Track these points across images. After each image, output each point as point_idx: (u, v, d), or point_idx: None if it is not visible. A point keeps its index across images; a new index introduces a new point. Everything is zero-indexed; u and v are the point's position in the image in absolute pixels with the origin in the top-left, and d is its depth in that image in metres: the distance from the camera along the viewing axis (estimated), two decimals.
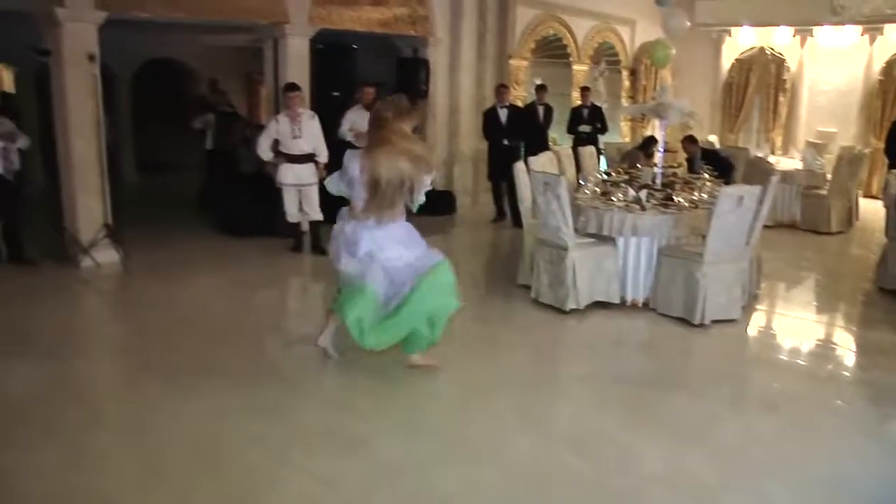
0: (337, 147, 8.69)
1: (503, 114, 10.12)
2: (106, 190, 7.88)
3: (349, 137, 8.83)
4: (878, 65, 13.75)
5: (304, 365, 5.27)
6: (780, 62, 14.93)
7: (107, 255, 7.80)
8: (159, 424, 4.24)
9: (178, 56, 15.08)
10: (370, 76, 10.11)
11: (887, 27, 13.34)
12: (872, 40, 13.65)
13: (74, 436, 4.10)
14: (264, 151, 8.04)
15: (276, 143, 8.04)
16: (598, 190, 7.20)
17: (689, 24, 12.27)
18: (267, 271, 7.80)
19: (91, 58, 7.49)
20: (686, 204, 6.76)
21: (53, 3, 7.25)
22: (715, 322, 6.16)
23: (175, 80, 15.24)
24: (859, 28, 13.64)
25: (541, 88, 11.05)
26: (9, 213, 7.77)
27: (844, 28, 13.78)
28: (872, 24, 13.32)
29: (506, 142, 10.06)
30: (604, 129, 11.68)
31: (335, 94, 10.02)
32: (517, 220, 9.14)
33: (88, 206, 7.78)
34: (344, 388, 4.90)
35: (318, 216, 8.14)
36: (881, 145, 11.79)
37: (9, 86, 14.14)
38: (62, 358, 5.35)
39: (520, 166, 7.21)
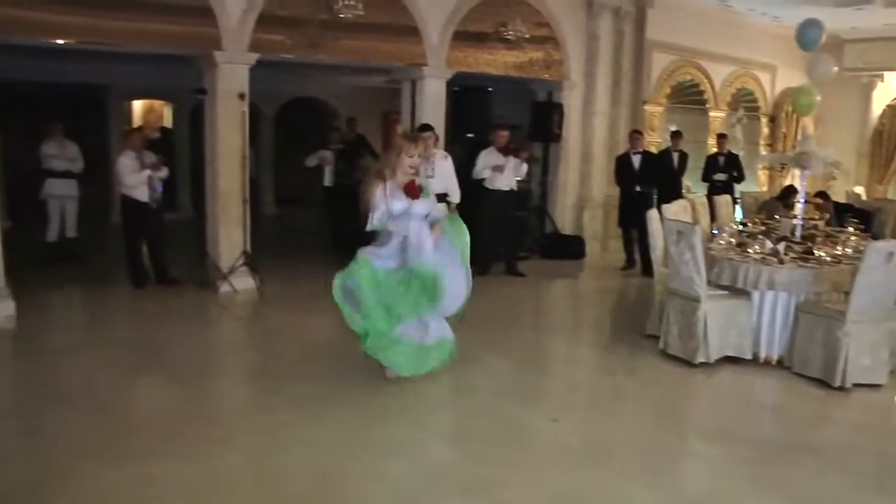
0: (469, 187, 8.86)
1: (636, 160, 9.99)
2: (246, 220, 8.29)
3: (485, 176, 8.99)
4: None
5: (429, 402, 5.32)
6: None
7: (244, 282, 8.18)
8: (284, 450, 4.36)
9: (320, 95, 15.79)
10: (504, 118, 10.22)
11: None
12: None
13: (204, 454, 4.29)
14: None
15: None
16: (733, 241, 6.96)
17: (836, 68, 11.77)
18: None
19: (241, 96, 7.97)
20: (828, 258, 6.43)
21: (212, 47, 7.78)
22: (857, 386, 5.76)
23: (316, 118, 15.93)
24: None
25: (676, 135, 10.85)
26: (151, 237, 8.33)
27: None
28: None
29: (638, 188, 9.91)
30: (740, 178, 11.32)
31: (469, 135, 10.18)
32: (647, 269, 8.98)
33: (229, 234, 8.20)
34: (465, 429, 4.89)
35: None
36: None
37: (167, 121, 15.21)
38: (197, 378, 5.64)
39: (653, 214, 7.08)
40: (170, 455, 4.23)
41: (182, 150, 13.87)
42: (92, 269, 9.32)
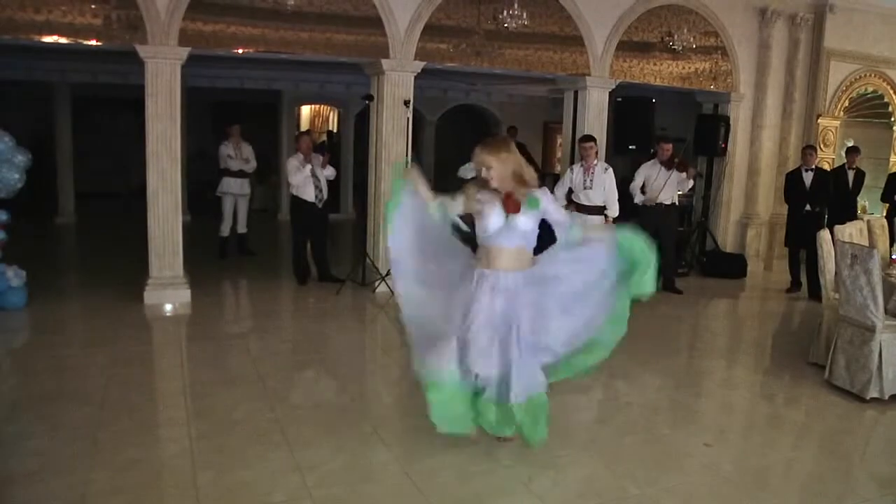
0: (630, 200, 8.70)
1: (808, 177, 9.45)
2: None
3: (637, 194, 8.81)
4: None
5: (579, 416, 5.29)
6: None
7: None
8: (433, 454, 4.45)
9: (482, 104, 16.01)
10: (668, 131, 9.99)
11: None
12: None
13: (357, 447, 4.47)
14: (560, 200, 8.23)
15: (570, 192, 8.22)
16: None
17: None
18: None
19: (406, 103, 8.22)
20: None
21: (380, 55, 8.09)
22: None
23: (477, 126, 16.17)
24: None
25: (852, 151, 10.20)
26: (316, 236, 8.72)
27: None
28: None
29: (808, 207, 9.37)
30: None
31: (631, 147, 10.02)
32: (814, 293, 8.51)
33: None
34: (615, 445, 4.80)
35: None
36: None
37: (333, 125, 15.92)
38: (353, 374, 5.91)
39: (824, 235, 6.69)
40: (327, 445, 4.45)
41: (346, 153, 14.46)
42: (260, 263, 9.90)
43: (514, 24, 8.50)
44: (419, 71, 8.36)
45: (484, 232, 4.13)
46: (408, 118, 8.36)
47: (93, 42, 7.12)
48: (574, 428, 5.06)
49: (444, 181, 15.71)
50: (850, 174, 9.99)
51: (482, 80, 13.38)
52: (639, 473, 4.35)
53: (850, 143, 10.76)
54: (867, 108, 12.13)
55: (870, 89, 11.88)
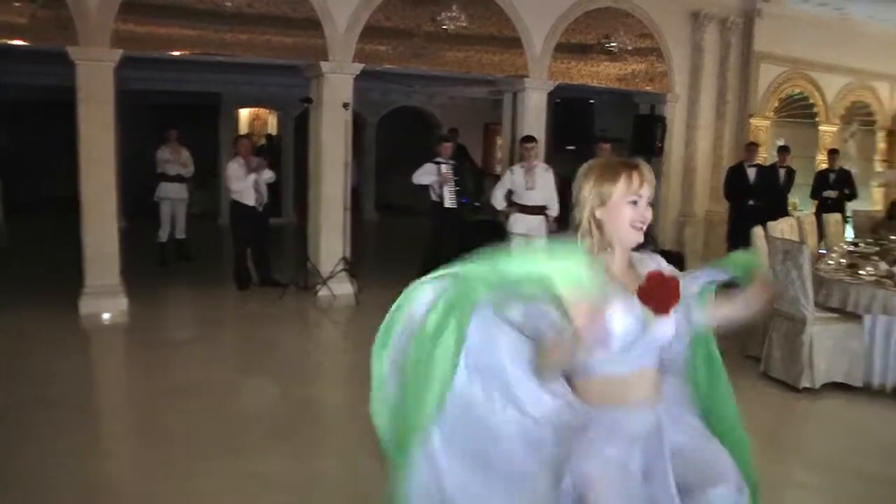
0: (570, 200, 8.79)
1: (751, 172, 9.77)
2: (347, 226, 8.48)
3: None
4: None
5: None
6: None
7: (342, 288, 8.36)
8: (373, 456, 4.41)
9: (423, 105, 16.03)
10: (606, 131, 10.13)
11: None
12: None
13: (306, 454, 4.42)
14: (498, 201, 8.28)
15: (510, 193, 8.27)
16: (843, 261, 6.68)
17: None
18: None
19: (345, 105, 8.18)
20: None
21: (319, 57, 8.04)
22: None
23: (419, 128, 16.19)
24: None
25: (783, 150, 10.53)
26: (257, 240, 8.63)
27: None
28: None
29: (752, 202, 9.67)
30: (852, 196, 10.86)
31: (571, 147, 10.13)
32: None
33: (330, 240, 8.42)
34: None
35: None
36: None
37: (272, 128, 15.77)
38: (299, 379, 5.84)
39: (758, 231, 6.87)
40: (276, 453, 4.39)
41: (287, 157, 14.33)
42: (200, 269, 9.74)
43: (452, 26, 8.54)
44: (358, 73, 8.33)
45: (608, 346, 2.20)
46: (347, 120, 8.32)
47: (19, 42, 6.90)
48: None
49: (385, 183, 15.80)
50: (782, 172, 10.30)
51: (422, 81, 13.41)
52: None
53: (781, 143, 11.09)
54: (795, 109, 12.54)
55: (797, 91, 12.28)
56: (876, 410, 5.75)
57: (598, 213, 2.27)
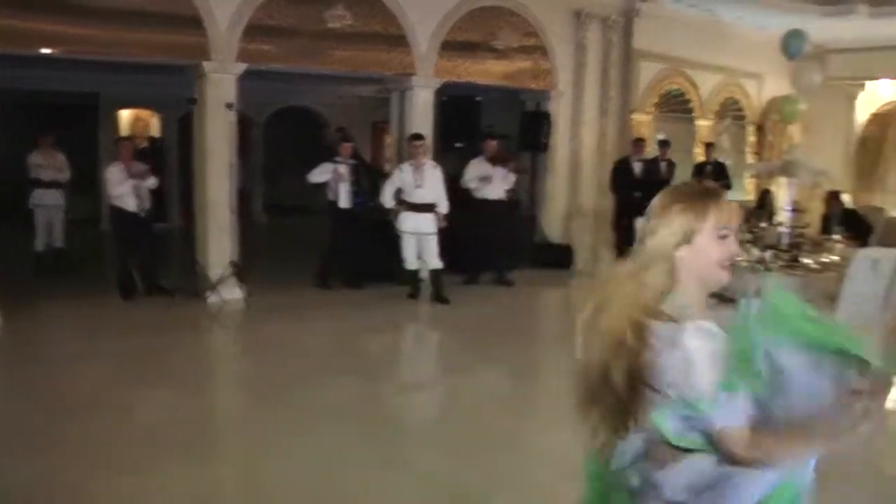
0: (459, 197, 8.87)
1: (637, 166, 10.13)
2: (235, 229, 8.29)
3: (473, 186, 9.03)
4: None
5: (421, 413, 5.34)
6: None
7: (232, 293, 8.17)
8: (274, 461, 4.36)
9: (310, 104, 15.85)
10: (493, 128, 10.27)
11: None
12: None
13: (204, 463, 4.30)
14: (387, 200, 8.28)
15: (398, 191, 8.28)
16: None
17: (820, 77, 11.85)
18: (384, 318, 7.91)
19: (229, 106, 7.98)
20: (814, 266, 6.49)
21: (201, 57, 7.81)
22: None
23: (307, 127, 15.99)
24: None
25: (663, 144, 10.96)
26: (141, 247, 8.31)
27: None
28: None
29: (638, 194, 10.01)
30: (728, 187, 11.36)
31: (458, 145, 10.22)
32: None
33: (218, 244, 8.21)
34: (457, 439, 4.89)
35: (438, 265, 8.30)
36: None
37: (155, 130, 15.23)
38: (192, 389, 5.65)
39: (641, 223, 7.10)
40: (174, 465, 4.24)
41: (171, 159, 13.89)
42: (81, 278, 9.30)
43: (338, 25, 8.47)
44: (242, 73, 8.14)
45: None
46: (231, 121, 8.12)
47: None
48: (416, 425, 5.12)
49: (274, 183, 15.50)
50: (663, 165, 10.71)
51: (310, 80, 13.24)
52: (481, 462, 4.45)
53: (662, 137, 11.52)
54: (674, 105, 13.06)
55: (675, 87, 12.80)
56: None
57: (681, 252, 1.88)
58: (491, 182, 9.14)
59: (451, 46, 9.71)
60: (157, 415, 5.11)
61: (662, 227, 1.89)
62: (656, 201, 1.96)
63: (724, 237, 1.88)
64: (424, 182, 8.17)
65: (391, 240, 8.51)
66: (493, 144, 9.23)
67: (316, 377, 5.91)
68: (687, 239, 1.87)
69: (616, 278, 1.91)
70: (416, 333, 7.98)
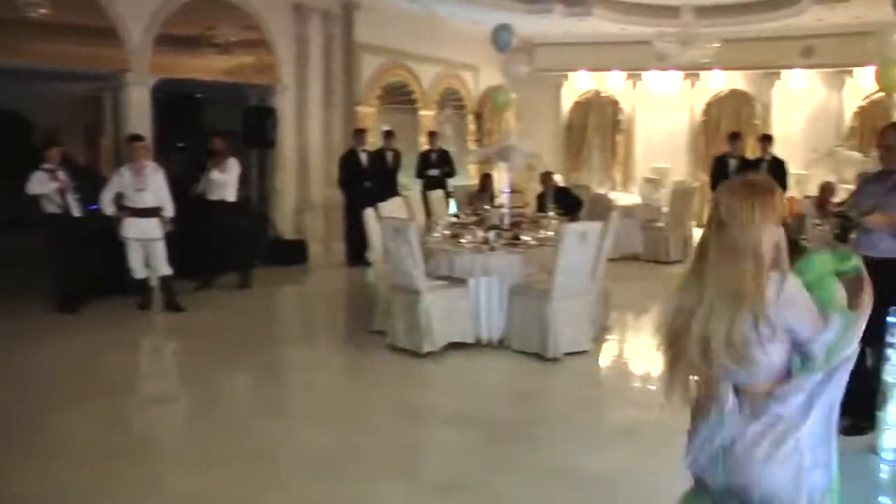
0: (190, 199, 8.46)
1: (363, 157, 10.34)
2: None
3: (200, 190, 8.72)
4: (700, 107, 15.25)
5: (169, 427, 5.07)
6: (615, 104, 16.06)
7: None
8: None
9: (10, 105, 14.28)
10: (217, 126, 9.91)
11: (704, 74, 14.73)
12: (693, 85, 15.11)
13: None
14: (107, 205, 7.71)
15: (118, 196, 7.74)
16: (447, 233, 7.37)
17: (528, 69, 12.85)
18: (116, 333, 7.28)
19: None
20: (533, 242, 7.03)
21: None
22: (567, 355, 6.38)
23: (9, 130, 14.38)
24: (682, 74, 14.90)
25: (388, 134, 11.28)
26: None
27: (669, 73, 14.95)
28: (691, 70, 14.50)
29: (367, 184, 10.21)
30: (452, 173, 11.96)
31: (180, 144, 9.75)
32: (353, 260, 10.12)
33: None
34: (212, 449, 4.71)
35: (167, 271, 7.89)
36: (707, 179, 12.75)
37: None
38: None
39: (369, 213, 7.27)
40: None
41: None
42: None
43: (33, 14, 7.70)
44: None
45: None
46: None
47: None
48: (167, 442, 4.86)
49: None
50: (389, 155, 11.01)
51: (8, 78, 11.94)
52: (239, 471, 4.33)
53: (386, 128, 11.84)
54: (397, 96, 13.48)
55: (397, 79, 13.20)
56: (487, 361, 6.50)
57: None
58: (222, 183, 8.89)
59: (167, 41, 9.24)
60: None
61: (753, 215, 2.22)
62: (736, 192, 2.29)
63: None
64: (146, 185, 7.71)
65: (117, 248, 7.93)
66: (219, 142, 8.94)
67: (50, 403, 5.34)
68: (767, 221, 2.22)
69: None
70: (152, 346, 7.46)
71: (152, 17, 9.03)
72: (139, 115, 8.95)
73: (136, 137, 7.97)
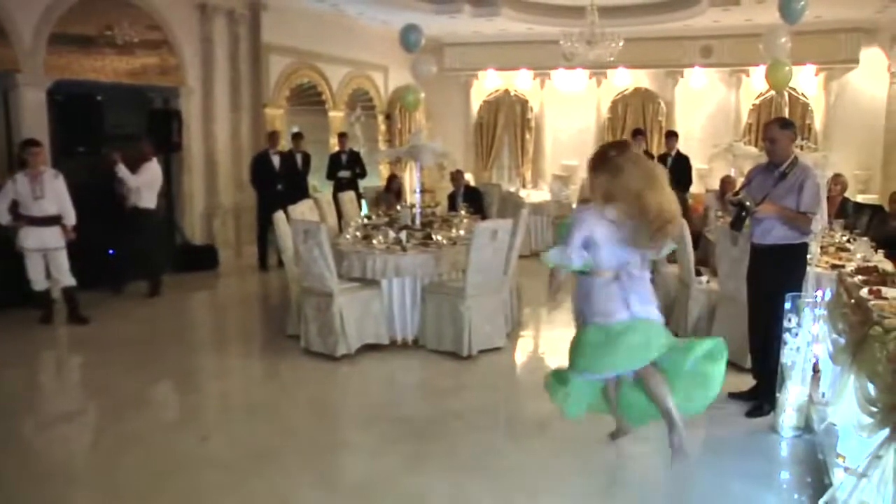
0: (87, 206, 8.16)
1: (276, 160, 10.25)
2: None
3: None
4: (606, 104, 15.60)
5: (69, 448, 4.89)
6: (524, 103, 16.29)
7: None
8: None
9: None
10: (119, 129, 9.57)
11: (609, 72, 15.11)
12: (599, 84, 15.44)
13: None
14: (2, 215, 7.36)
15: (14, 204, 7.40)
16: (359, 234, 7.34)
17: (436, 69, 12.86)
18: (15, 348, 6.93)
19: None
20: (445, 241, 7.08)
21: None
22: (482, 352, 6.48)
23: None
24: (588, 72, 15.25)
25: (297, 136, 11.16)
26: None
27: (576, 72, 15.29)
28: (597, 69, 14.86)
29: (280, 187, 10.09)
30: (363, 174, 11.90)
31: (81, 149, 9.33)
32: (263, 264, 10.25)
33: None
34: (110, 469, 4.56)
35: (70, 281, 7.59)
36: None
37: None
38: None
39: (279, 216, 7.18)
40: None
41: None
42: None
43: None
44: None
45: None
46: None
47: None
48: (69, 464, 4.67)
49: None
50: (299, 157, 10.88)
51: None
52: (143, 488, 4.21)
53: (295, 130, 11.72)
54: (306, 97, 13.36)
55: (306, 80, 13.07)
56: (402, 362, 6.52)
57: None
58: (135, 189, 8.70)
59: (63, 40, 8.90)
60: None
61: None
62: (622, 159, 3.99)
63: None
64: (45, 193, 7.40)
65: (15, 259, 7.59)
66: (121, 150, 8.70)
67: None
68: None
69: None
70: (55, 360, 7.15)
71: (44, 14, 8.65)
72: (34, 118, 8.57)
73: (32, 143, 7.62)
